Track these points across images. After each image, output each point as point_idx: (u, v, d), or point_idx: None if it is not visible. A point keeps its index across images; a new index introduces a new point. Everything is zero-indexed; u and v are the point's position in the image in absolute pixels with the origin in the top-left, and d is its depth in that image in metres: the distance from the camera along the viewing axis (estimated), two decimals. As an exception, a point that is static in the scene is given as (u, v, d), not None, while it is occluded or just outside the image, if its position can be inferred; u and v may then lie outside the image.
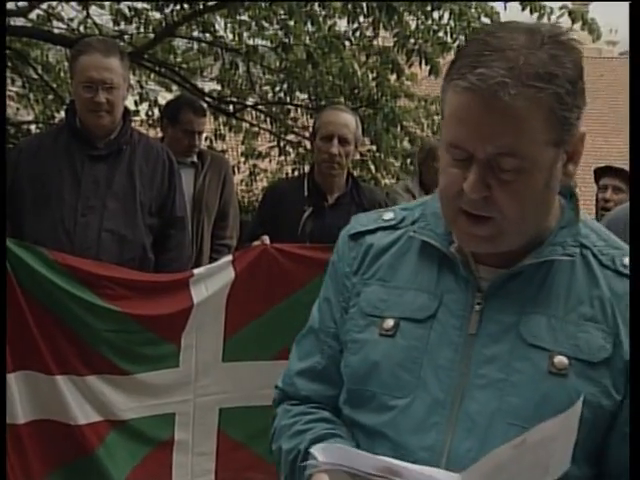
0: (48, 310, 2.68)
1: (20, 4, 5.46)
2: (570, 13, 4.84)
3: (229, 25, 5.88)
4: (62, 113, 6.26)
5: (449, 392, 1.12)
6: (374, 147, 5.95)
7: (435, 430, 1.11)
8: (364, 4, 4.92)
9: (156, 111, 6.49)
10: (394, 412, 1.14)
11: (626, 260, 1.16)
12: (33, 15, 5.60)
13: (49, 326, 2.68)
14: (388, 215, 1.28)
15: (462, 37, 5.02)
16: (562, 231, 1.17)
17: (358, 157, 5.16)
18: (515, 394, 1.09)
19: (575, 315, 1.12)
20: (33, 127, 6.26)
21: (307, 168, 5.23)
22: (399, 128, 5.83)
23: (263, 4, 5.42)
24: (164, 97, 6.68)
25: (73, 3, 5.65)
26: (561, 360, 1.10)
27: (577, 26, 4.93)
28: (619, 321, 1.11)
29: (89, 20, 5.78)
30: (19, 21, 5.53)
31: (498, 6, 5.00)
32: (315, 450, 1.03)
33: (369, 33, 5.51)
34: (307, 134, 6.01)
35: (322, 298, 1.30)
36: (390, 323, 1.17)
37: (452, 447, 1.07)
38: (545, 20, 4.74)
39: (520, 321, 1.12)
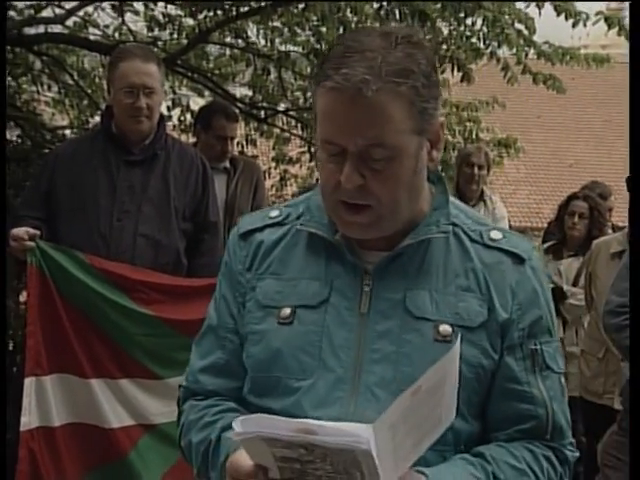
0: (84, 313, 2.72)
1: (57, 12, 5.53)
2: (606, 19, 4.78)
3: (261, 31, 5.88)
4: (96, 118, 6.32)
5: (348, 368, 1.22)
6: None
7: (339, 404, 1.20)
8: (396, 10, 4.90)
9: (188, 116, 6.53)
10: (299, 393, 1.22)
11: (492, 234, 1.29)
12: (70, 22, 5.66)
13: (84, 329, 2.72)
14: (274, 213, 1.36)
15: (495, 43, 4.99)
16: (435, 212, 1.28)
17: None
18: (407, 364, 1.20)
19: (453, 287, 1.25)
20: (68, 132, 6.33)
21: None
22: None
23: (295, 10, 5.43)
24: (196, 102, 6.72)
25: (109, 10, 5.71)
26: (445, 328, 1.22)
27: (613, 32, 4.88)
28: (491, 288, 1.25)
29: (124, 27, 5.84)
30: (56, 28, 5.59)
31: (532, 12, 4.93)
32: (234, 423, 1.07)
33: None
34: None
35: (218, 297, 1.37)
36: (287, 312, 1.25)
37: (355, 418, 1.15)
38: (581, 26, 4.70)
39: (406, 297, 1.23)
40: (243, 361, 1.30)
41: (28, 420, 2.66)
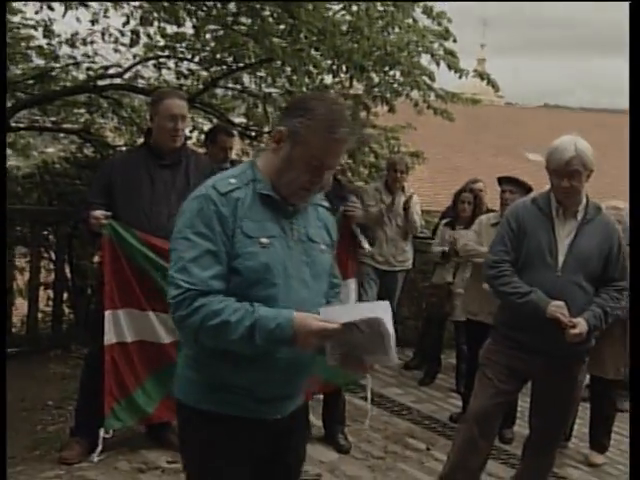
0: (140, 268, 2.72)
1: (118, 70, 5.55)
2: (480, 75, 4.93)
3: (253, 79, 5.86)
4: (141, 139, 6.20)
5: (300, 271, 1.46)
6: (350, 160, 5.95)
7: (295, 289, 1.44)
8: (343, 65, 4.86)
9: (202, 137, 6.43)
10: (278, 287, 1.42)
11: (317, 199, 1.57)
12: (126, 76, 5.67)
13: (141, 278, 2.72)
14: (232, 180, 1.45)
15: (409, 88, 5.03)
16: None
17: (339, 167, 5.15)
18: (315, 264, 1.50)
19: (315, 225, 1.53)
20: (124, 149, 6.24)
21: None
22: (367, 148, 5.88)
23: (275, 65, 5.37)
24: (208, 127, 6.61)
25: (151, 68, 5.71)
26: (322, 247, 1.54)
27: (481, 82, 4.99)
28: (328, 226, 1.58)
29: (161, 77, 5.81)
30: (118, 79, 5.64)
31: (433, 68, 4.93)
32: (325, 311, 1.39)
33: (347, 84, 5.48)
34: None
35: (210, 232, 1.40)
36: (265, 240, 1.42)
37: (308, 298, 1.46)
38: (464, 79, 4.76)
39: (307, 230, 1.51)
40: (238, 267, 1.41)
41: (109, 338, 2.68)
